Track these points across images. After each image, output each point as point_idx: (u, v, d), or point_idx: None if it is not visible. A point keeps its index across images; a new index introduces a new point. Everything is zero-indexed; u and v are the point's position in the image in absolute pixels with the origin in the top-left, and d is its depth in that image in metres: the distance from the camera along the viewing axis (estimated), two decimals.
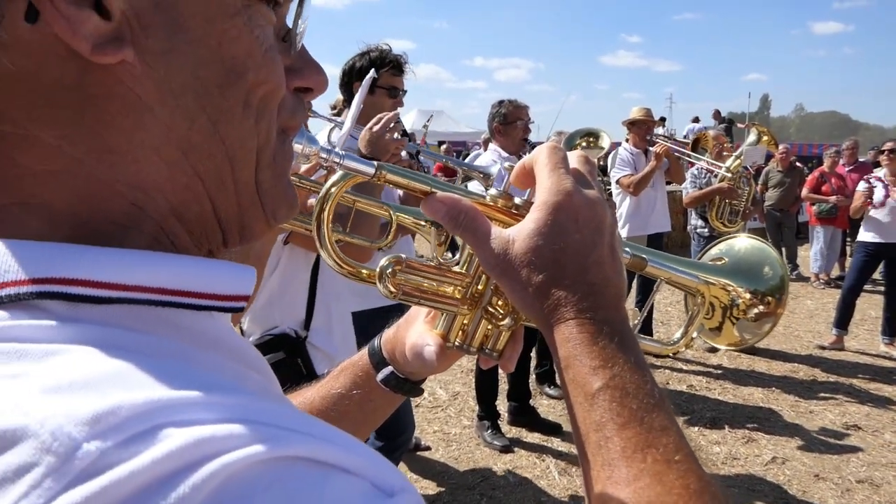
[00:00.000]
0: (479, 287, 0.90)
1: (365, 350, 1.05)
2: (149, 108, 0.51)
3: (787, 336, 8.31)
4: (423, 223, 1.92)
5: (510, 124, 5.26)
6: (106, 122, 0.50)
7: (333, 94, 4.18)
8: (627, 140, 7.16)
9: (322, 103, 5.16)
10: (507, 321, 0.89)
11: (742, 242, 1.14)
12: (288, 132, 0.63)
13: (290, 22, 0.62)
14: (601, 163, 7.46)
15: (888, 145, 7.80)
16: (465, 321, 0.92)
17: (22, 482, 0.36)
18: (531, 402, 5.75)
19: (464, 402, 6.10)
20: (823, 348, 7.75)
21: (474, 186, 4.21)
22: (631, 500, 0.60)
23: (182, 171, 0.54)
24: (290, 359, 2.77)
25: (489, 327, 0.90)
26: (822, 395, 6.40)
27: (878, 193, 7.56)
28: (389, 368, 1.00)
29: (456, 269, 0.91)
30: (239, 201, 0.59)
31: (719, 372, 6.97)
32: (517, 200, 0.82)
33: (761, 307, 1.06)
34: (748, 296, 1.06)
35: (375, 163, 0.82)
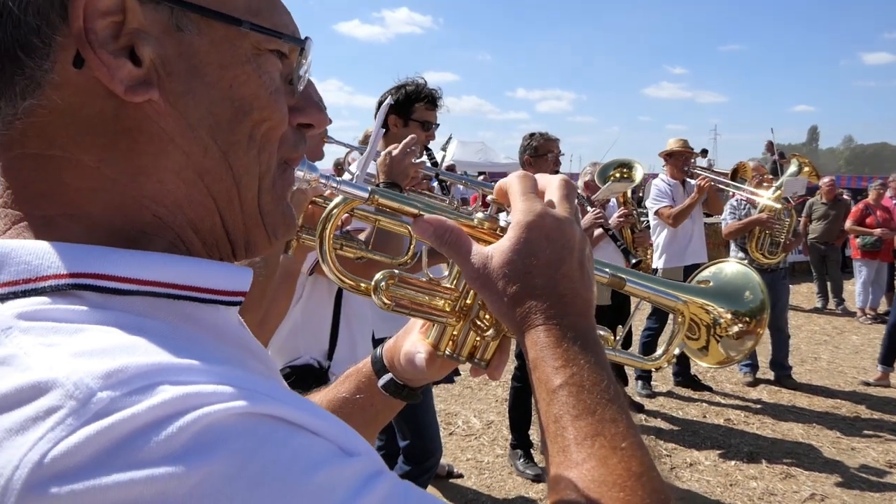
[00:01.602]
0: (468, 301, 0.98)
1: (368, 357, 1.15)
2: (171, 139, 0.63)
3: (830, 372, 8.13)
4: None
5: (541, 157, 5.34)
6: (136, 149, 0.63)
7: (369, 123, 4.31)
8: (665, 171, 7.18)
9: (357, 133, 5.30)
10: (491, 332, 0.97)
11: (730, 267, 1.20)
12: (290, 162, 0.76)
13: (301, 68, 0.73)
14: (639, 194, 7.46)
15: None
16: (455, 332, 1.00)
17: (51, 419, 0.46)
18: None
19: (497, 430, 6.11)
20: (868, 384, 7.56)
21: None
22: (579, 480, 0.68)
23: (198, 191, 0.66)
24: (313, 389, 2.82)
25: (477, 338, 0.98)
26: (866, 432, 6.24)
27: None
28: (389, 375, 1.10)
29: (445, 283, 1.00)
30: (244, 219, 0.71)
31: (758, 406, 6.85)
32: (502, 223, 0.90)
33: (741, 325, 1.12)
34: (729, 316, 1.12)
35: (370, 188, 0.91)
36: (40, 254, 0.57)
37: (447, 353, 1.00)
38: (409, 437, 3.72)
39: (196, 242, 0.68)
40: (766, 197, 6.78)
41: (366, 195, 0.91)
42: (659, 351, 1.14)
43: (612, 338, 1.08)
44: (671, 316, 1.10)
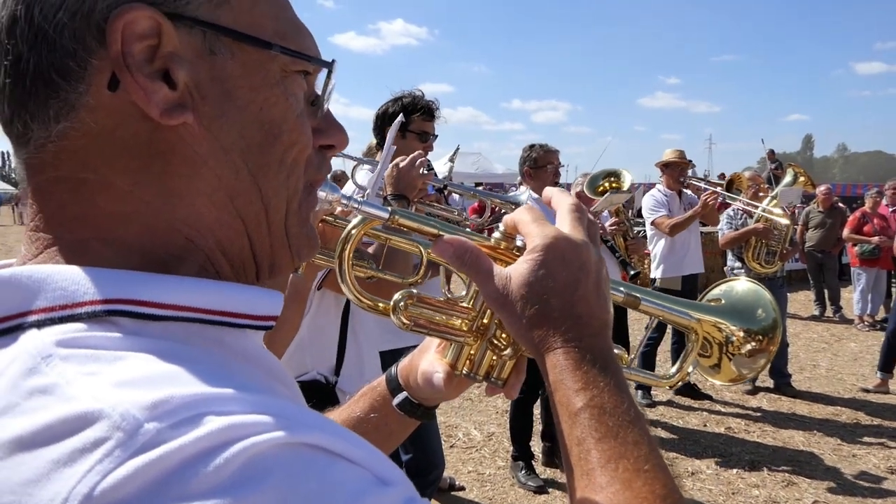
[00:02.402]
0: (485, 321, 0.99)
1: (383, 377, 1.15)
2: (204, 161, 0.64)
3: (829, 379, 8.14)
4: None
5: (541, 168, 5.37)
6: (169, 171, 0.63)
7: (368, 137, 4.34)
8: (661, 182, 7.23)
9: (357, 146, 5.34)
10: (508, 351, 0.97)
11: (741, 285, 1.21)
12: (314, 185, 0.77)
13: (318, 88, 0.75)
14: (634, 205, 7.50)
15: None
16: (472, 351, 1.00)
17: (98, 451, 0.46)
18: None
19: (498, 442, 6.11)
20: (868, 391, 7.57)
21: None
22: (604, 503, 0.68)
23: (228, 213, 0.67)
24: (320, 406, 2.81)
25: (494, 357, 0.99)
26: (866, 438, 6.25)
27: None
28: (404, 394, 1.09)
29: (463, 304, 1.01)
30: (271, 241, 0.72)
31: (758, 414, 6.86)
32: (518, 243, 0.90)
33: (754, 344, 1.13)
34: (742, 334, 1.13)
35: (389, 208, 0.92)
36: (76, 279, 0.57)
37: (464, 372, 1.00)
38: (411, 450, 3.73)
39: (225, 265, 0.69)
40: (761, 208, 6.82)
41: (386, 216, 0.92)
42: (673, 369, 1.14)
43: (627, 356, 1.07)
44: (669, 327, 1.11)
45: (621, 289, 1.05)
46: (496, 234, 0.91)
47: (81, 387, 0.50)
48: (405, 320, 0.96)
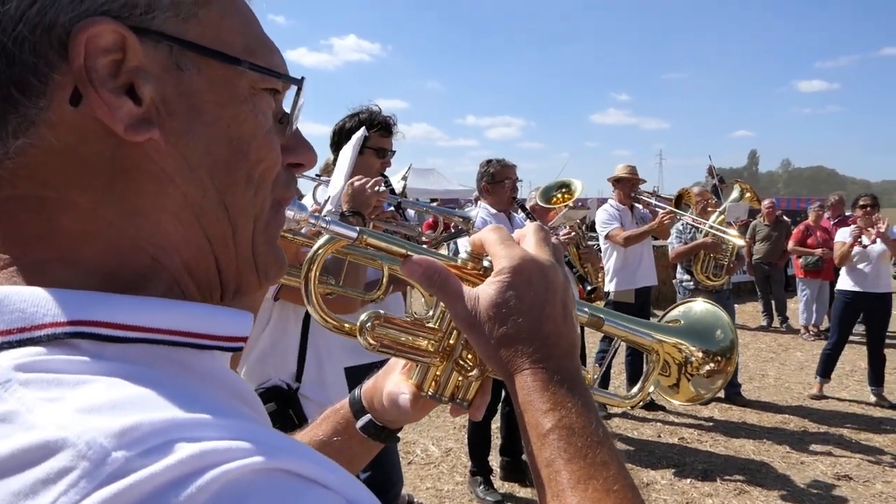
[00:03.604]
0: (451, 341, 0.98)
1: (346, 399, 1.13)
2: (170, 179, 0.62)
3: (777, 388, 8.36)
4: None
5: (498, 183, 5.41)
6: (134, 189, 0.60)
7: (324, 154, 4.32)
8: (613, 197, 7.36)
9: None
10: (475, 372, 0.97)
11: (699, 306, 1.23)
12: (282, 203, 0.75)
13: (286, 106, 0.73)
14: (588, 220, 7.61)
15: (864, 200, 8.04)
16: (438, 372, 0.99)
17: (63, 482, 0.44)
18: (523, 456, 5.76)
19: (456, 458, 6.09)
20: (817, 398, 7.81)
21: (463, 244, 4.32)
22: None
23: (195, 233, 0.65)
24: (282, 410, 2.82)
25: (460, 378, 0.98)
26: (814, 445, 6.42)
27: (867, 238, 7.74)
28: (368, 416, 1.08)
29: (430, 324, 1.00)
30: (238, 262, 0.69)
31: (710, 424, 6.99)
32: (486, 263, 0.90)
33: (712, 364, 1.15)
34: (700, 354, 1.15)
35: (358, 228, 0.92)
36: (35, 301, 0.55)
37: (430, 393, 0.99)
38: (369, 468, 3.68)
39: (192, 286, 0.66)
40: (707, 225, 6.99)
41: (355, 235, 0.91)
42: (634, 389, 1.15)
43: (590, 376, 1.08)
44: (613, 349, 1.11)
45: (585, 309, 1.06)
46: (463, 255, 0.91)
47: (44, 414, 0.48)
48: (372, 341, 0.95)
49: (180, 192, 0.62)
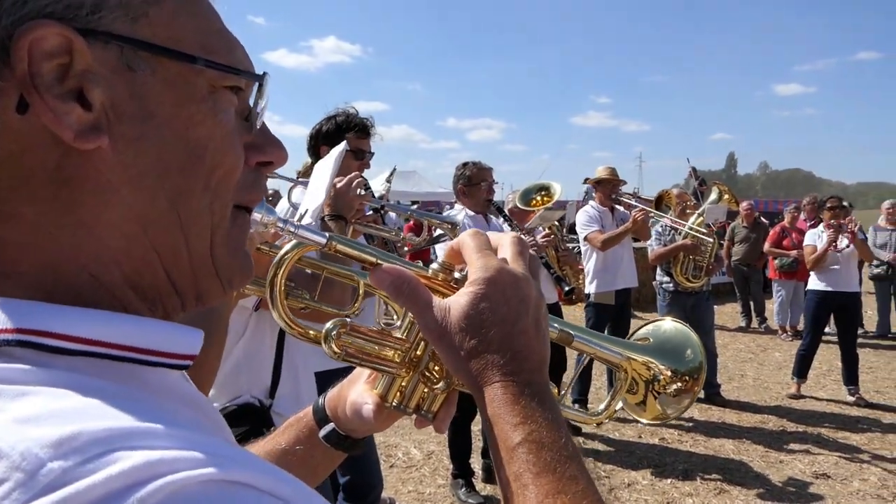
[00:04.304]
0: (418, 352, 0.97)
1: (310, 408, 1.10)
2: (115, 189, 0.59)
3: (756, 388, 8.43)
4: None
5: (474, 186, 5.41)
6: (79, 200, 0.58)
7: (303, 157, 4.27)
8: (594, 199, 7.39)
9: (291, 164, 5.26)
10: (441, 384, 0.96)
11: (667, 325, 1.22)
12: (249, 205, 0.72)
13: (251, 102, 0.70)
14: (567, 222, 7.64)
15: (831, 202, 8.17)
16: (404, 383, 0.98)
17: None
18: None
19: (438, 461, 6.08)
20: (795, 398, 7.89)
21: (441, 249, 4.31)
22: None
23: (139, 245, 0.62)
24: (256, 430, 2.74)
25: (425, 390, 0.97)
26: (792, 444, 6.48)
27: (842, 241, 7.85)
28: (331, 425, 1.06)
29: (397, 334, 0.98)
30: (194, 271, 0.66)
31: (690, 425, 7.03)
32: (457, 275, 0.89)
33: (679, 384, 1.15)
34: (669, 373, 1.15)
35: (327, 234, 0.90)
36: None
37: (394, 404, 0.98)
38: (348, 472, 3.67)
39: (134, 301, 0.63)
40: (688, 226, 7.05)
41: (324, 241, 0.90)
42: (601, 406, 1.15)
43: (558, 391, 1.07)
44: (581, 365, 1.11)
45: (555, 325, 1.05)
46: (434, 266, 0.90)
47: None
48: (336, 349, 0.94)
49: (125, 203, 0.60)
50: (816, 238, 8.12)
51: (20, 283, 0.57)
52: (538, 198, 6.41)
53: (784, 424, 7.07)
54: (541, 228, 6.37)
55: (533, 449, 0.72)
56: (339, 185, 2.89)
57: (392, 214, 4.17)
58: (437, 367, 0.97)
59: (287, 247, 0.95)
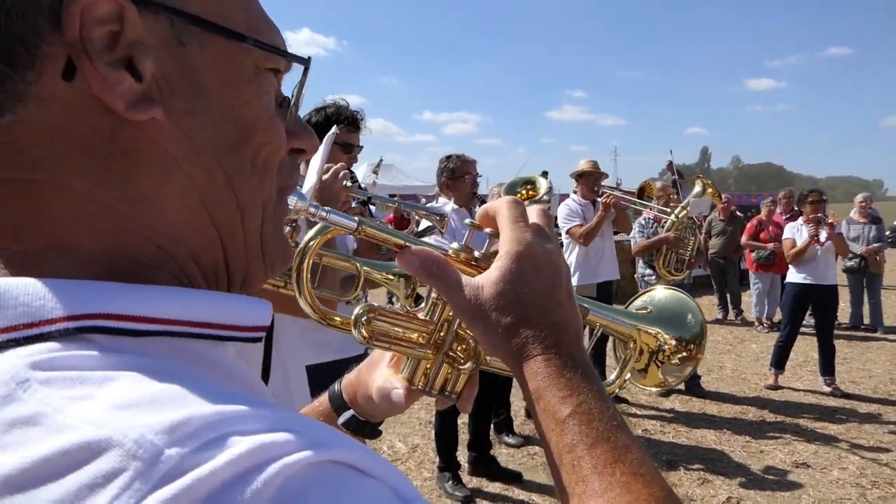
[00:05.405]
0: (441, 334, 0.97)
1: (325, 395, 1.10)
2: (175, 162, 0.57)
3: (735, 379, 8.54)
4: (391, 277, 1.99)
5: (458, 179, 5.40)
6: (136, 172, 0.56)
7: None
8: (576, 192, 7.41)
9: None
10: (469, 364, 0.96)
11: (661, 293, 1.23)
12: (286, 190, 0.71)
13: (286, 90, 0.69)
14: (552, 214, 7.64)
15: (813, 196, 8.28)
16: (429, 365, 0.98)
17: (113, 485, 0.40)
18: (492, 451, 5.78)
19: (423, 454, 6.08)
20: (773, 389, 8.01)
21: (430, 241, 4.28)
22: None
23: (201, 220, 0.61)
24: None
25: (449, 371, 0.97)
26: (772, 434, 6.58)
27: (823, 234, 7.96)
28: (351, 412, 1.05)
29: (421, 315, 0.98)
30: (246, 251, 0.65)
31: (672, 416, 7.11)
32: (476, 254, 0.89)
33: (684, 353, 1.15)
34: (674, 342, 1.15)
35: (357, 219, 0.90)
36: (39, 293, 0.50)
37: (420, 386, 0.98)
38: None
39: (198, 277, 0.62)
40: (673, 216, 7.10)
41: (354, 226, 0.89)
42: (612, 377, 1.15)
43: None
44: (594, 338, 1.11)
45: None
46: (454, 245, 0.90)
47: (74, 413, 0.44)
48: (366, 334, 0.93)
49: (185, 175, 0.58)
50: (795, 231, 8.23)
51: (75, 259, 0.55)
52: (523, 191, 6.41)
53: (763, 415, 7.17)
54: None
55: (584, 420, 0.71)
56: (325, 178, 2.87)
57: (372, 208, 4.13)
58: (460, 348, 0.97)
59: (311, 233, 0.94)
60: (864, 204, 11.75)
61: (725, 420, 7.02)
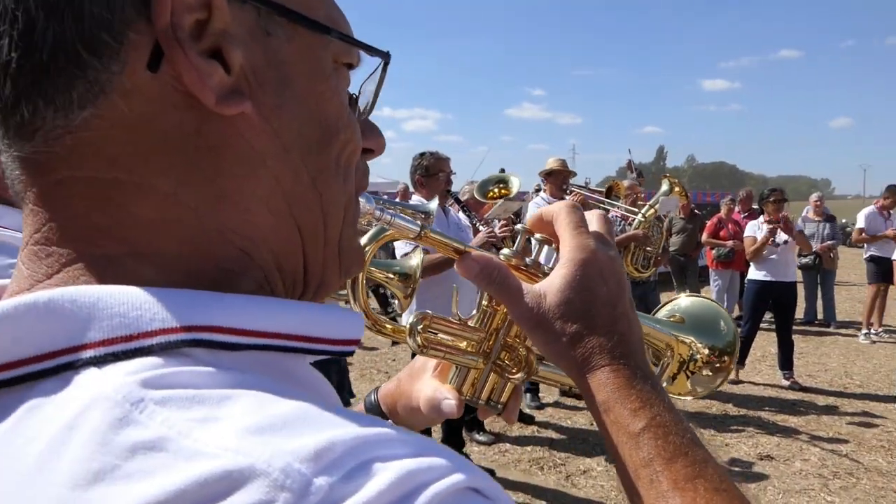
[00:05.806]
0: (490, 342, 0.94)
1: (361, 405, 1.08)
2: (262, 160, 0.54)
3: None
4: (391, 276, 1.99)
5: (432, 176, 5.40)
6: (221, 170, 0.52)
7: None
8: (545, 190, 7.47)
9: None
10: (520, 375, 0.94)
11: (685, 301, 1.21)
12: (358, 192, 0.67)
13: (354, 87, 0.66)
14: (523, 214, 7.70)
15: (775, 196, 8.51)
16: (476, 375, 0.95)
17: None
18: (464, 450, 5.80)
19: None
20: (735, 383, 8.21)
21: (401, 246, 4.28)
22: None
23: (286, 223, 0.57)
24: None
25: (496, 381, 0.95)
26: (735, 427, 6.76)
27: (781, 235, 8.19)
28: (389, 423, 1.03)
29: (471, 324, 0.95)
30: (325, 257, 0.62)
31: None
32: (528, 260, 0.87)
33: (717, 364, 1.13)
34: (706, 352, 1.13)
35: (419, 223, 0.88)
36: (135, 303, 0.47)
37: (467, 396, 0.95)
38: None
39: (279, 284, 0.58)
40: (640, 215, 7.22)
41: (417, 230, 0.88)
42: None
43: None
44: None
45: None
46: (506, 251, 0.87)
47: (205, 439, 0.40)
48: (421, 343, 0.90)
49: (272, 174, 0.55)
50: (756, 230, 8.44)
51: (157, 264, 0.51)
52: (495, 190, 6.45)
53: (726, 409, 7.35)
54: (496, 221, 6.41)
55: (660, 434, 0.69)
56: None
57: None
58: (508, 357, 0.94)
59: (369, 235, 0.92)
60: (818, 203, 12.12)
61: (690, 414, 7.14)
